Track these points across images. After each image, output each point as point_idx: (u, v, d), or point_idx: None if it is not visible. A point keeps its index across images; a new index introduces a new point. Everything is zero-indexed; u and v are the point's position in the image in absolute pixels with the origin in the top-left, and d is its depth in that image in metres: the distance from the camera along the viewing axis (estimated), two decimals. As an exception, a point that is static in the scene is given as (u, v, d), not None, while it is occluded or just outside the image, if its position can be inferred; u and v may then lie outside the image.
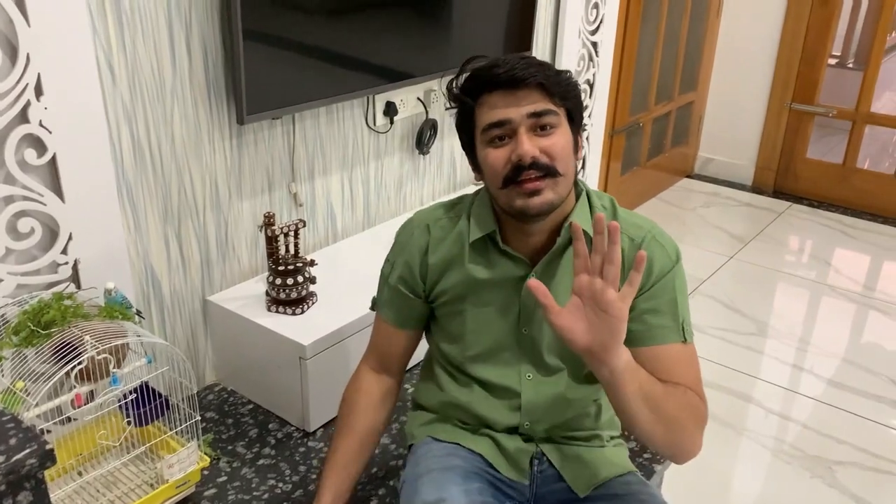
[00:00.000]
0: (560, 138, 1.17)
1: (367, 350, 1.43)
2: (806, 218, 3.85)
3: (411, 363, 1.44)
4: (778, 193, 4.10)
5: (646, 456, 1.67)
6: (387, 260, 1.38)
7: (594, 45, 2.84)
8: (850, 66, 5.59)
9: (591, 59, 2.86)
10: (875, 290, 3.15)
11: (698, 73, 3.99)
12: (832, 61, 5.08)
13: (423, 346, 1.43)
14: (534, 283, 1.07)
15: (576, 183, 1.24)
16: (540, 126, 1.16)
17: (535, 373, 1.30)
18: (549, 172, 1.16)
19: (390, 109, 2.13)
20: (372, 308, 1.42)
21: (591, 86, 2.92)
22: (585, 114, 2.92)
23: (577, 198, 1.25)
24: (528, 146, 1.15)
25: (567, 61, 2.72)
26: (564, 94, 1.18)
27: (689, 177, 4.31)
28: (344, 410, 1.39)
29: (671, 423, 1.14)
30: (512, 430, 1.33)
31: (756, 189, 4.15)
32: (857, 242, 3.59)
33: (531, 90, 1.15)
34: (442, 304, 1.32)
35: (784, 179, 4.09)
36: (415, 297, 1.34)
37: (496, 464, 1.31)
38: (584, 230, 1.09)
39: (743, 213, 3.90)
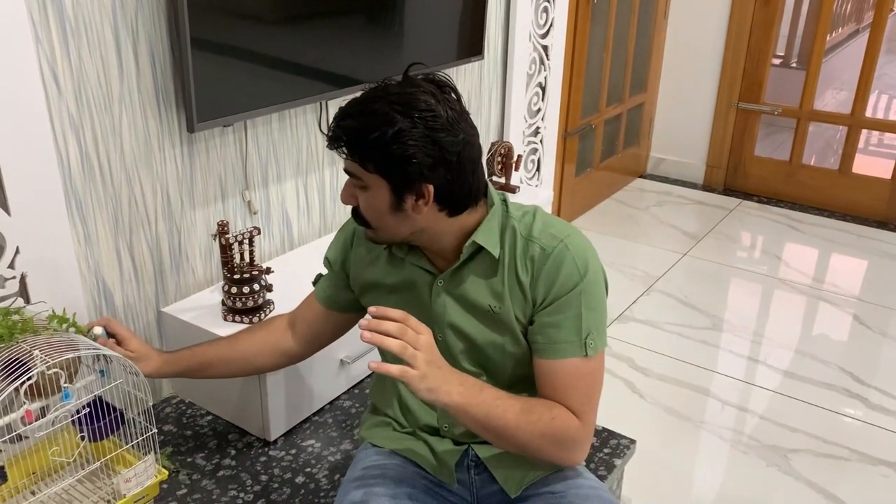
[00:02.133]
0: (366, 197, 1.20)
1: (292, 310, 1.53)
2: (756, 214, 3.94)
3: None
4: (728, 191, 4.19)
5: (605, 451, 1.69)
6: (330, 243, 1.47)
7: (545, 48, 2.87)
8: (794, 65, 5.74)
9: (542, 62, 2.89)
10: (824, 282, 3.23)
11: (647, 74, 4.07)
12: (776, 61, 5.22)
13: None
14: (373, 364, 1.08)
15: (487, 197, 1.25)
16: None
17: None
18: (361, 222, 1.25)
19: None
20: (314, 283, 1.51)
21: (543, 89, 2.96)
22: (537, 118, 2.95)
23: (488, 212, 1.25)
24: (344, 195, 1.23)
25: (519, 65, 2.75)
26: (368, 157, 1.15)
27: (641, 177, 4.39)
28: (240, 334, 1.52)
29: (521, 448, 1.21)
30: (436, 432, 1.36)
31: (707, 187, 4.23)
32: (806, 237, 3.69)
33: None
34: (365, 298, 1.39)
35: (734, 177, 4.19)
36: (340, 279, 1.43)
37: (428, 467, 1.33)
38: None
39: (695, 210, 3.98)
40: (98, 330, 1.45)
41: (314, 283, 1.51)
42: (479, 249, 1.23)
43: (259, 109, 1.82)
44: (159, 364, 1.46)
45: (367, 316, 1.10)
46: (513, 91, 2.77)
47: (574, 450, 1.23)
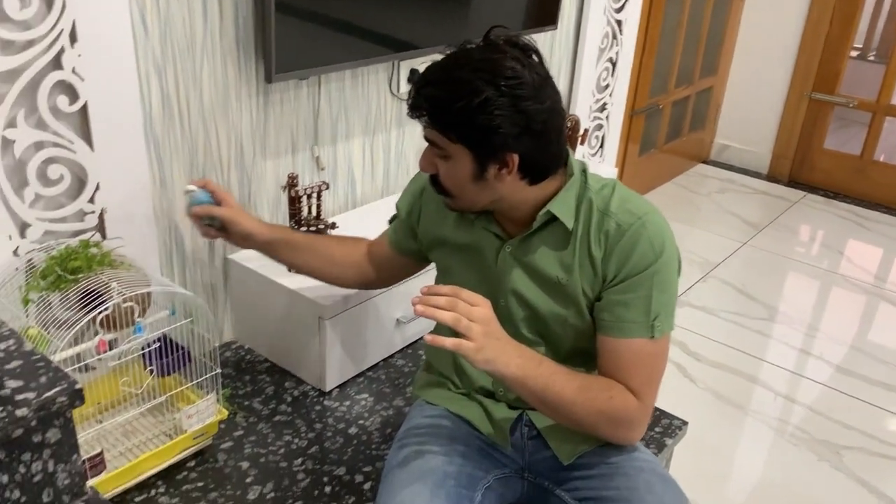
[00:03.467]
0: (447, 167, 1.18)
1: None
2: (820, 208, 3.84)
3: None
4: (793, 183, 4.08)
5: (657, 430, 1.68)
6: (403, 190, 1.48)
7: (619, 22, 2.82)
8: (872, 58, 5.54)
9: (614, 36, 2.84)
10: (887, 281, 3.14)
11: (719, 57, 3.97)
12: (853, 53, 5.03)
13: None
14: (428, 337, 1.07)
15: (567, 166, 1.22)
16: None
17: None
18: (440, 191, 1.23)
19: (414, 76, 2.12)
20: (389, 221, 1.52)
21: (614, 64, 2.91)
22: (605, 93, 2.91)
23: (566, 182, 1.22)
24: (423, 163, 1.22)
25: (591, 38, 2.70)
26: (451, 127, 1.13)
27: (704, 162, 4.30)
28: (333, 236, 1.61)
29: (577, 424, 1.21)
30: (491, 395, 1.36)
31: (771, 178, 4.13)
32: (871, 234, 3.59)
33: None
34: (432, 253, 1.40)
35: (800, 169, 4.08)
36: (408, 228, 1.44)
37: (482, 429, 1.33)
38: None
39: (757, 200, 3.89)
40: (193, 188, 1.44)
41: (390, 222, 1.52)
42: (553, 219, 1.21)
43: (334, 65, 1.83)
44: (254, 226, 1.46)
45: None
46: (583, 64, 2.73)
47: (630, 429, 1.22)
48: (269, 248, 1.50)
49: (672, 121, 3.82)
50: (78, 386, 1.10)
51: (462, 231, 1.32)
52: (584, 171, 1.25)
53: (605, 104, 2.96)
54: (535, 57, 1.14)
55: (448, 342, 1.06)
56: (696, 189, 3.98)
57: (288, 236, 1.51)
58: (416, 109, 1.15)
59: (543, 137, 1.14)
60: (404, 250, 1.47)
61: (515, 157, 1.14)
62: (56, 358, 1.27)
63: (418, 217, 1.41)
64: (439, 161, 1.19)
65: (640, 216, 1.18)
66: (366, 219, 2.11)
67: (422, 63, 2.13)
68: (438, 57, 1.17)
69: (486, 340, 1.09)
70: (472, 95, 1.08)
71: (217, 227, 1.46)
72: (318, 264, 1.52)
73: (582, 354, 1.29)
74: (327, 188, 1.83)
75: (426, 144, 1.20)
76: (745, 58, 4.04)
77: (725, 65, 4.05)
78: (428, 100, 1.13)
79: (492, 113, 1.08)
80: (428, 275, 1.56)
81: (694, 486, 1.79)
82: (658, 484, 1.19)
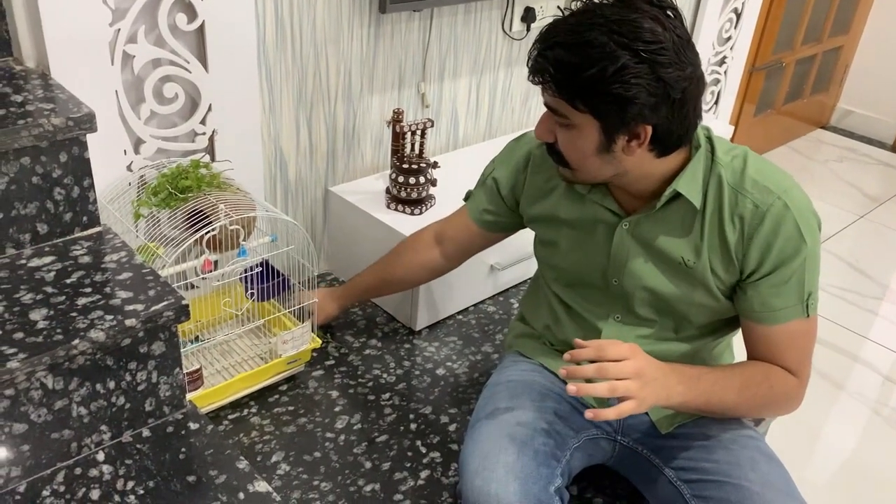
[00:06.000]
0: (568, 136, 1.08)
1: (439, 221, 1.53)
2: (949, 185, 3.56)
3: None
4: (921, 156, 3.80)
5: (756, 401, 1.61)
6: (492, 160, 1.40)
7: (749, -30, 2.64)
8: None
9: (743, -15, 2.66)
10: None
11: (853, 15, 3.68)
12: None
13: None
14: (589, 414, 1.01)
15: (691, 140, 1.11)
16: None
17: (623, 318, 1.25)
18: (559, 161, 1.13)
19: (529, 15, 2.05)
20: (465, 199, 1.47)
21: (739, 15, 2.73)
22: (726, 46, 2.75)
23: (692, 157, 1.12)
24: (540, 129, 1.12)
25: (718, -15, 2.54)
26: (580, 96, 1.01)
27: (823, 128, 4.04)
28: (391, 252, 1.58)
29: (745, 413, 1.20)
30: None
31: (897, 149, 3.86)
32: None
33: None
34: (535, 226, 1.33)
35: (931, 141, 3.79)
36: (503, 202, 1.37)
37: None
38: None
39: (879, 172, 3.64)
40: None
41: (465, 199, 1.46)
42: (677, 196, 1.12)
43: (450, -2, 1.77)
44: (337, 304, 1.65)
45: (561, 369, 1.04)
46: (705, 14, 2.57)
47: (791, 406, 1.19)
48: (360, 300, 1.73)
49: (794, 81, 3.59)
50: (184, 302, 1.12)
51: (571, 205, 1.23)
52: (708, 137, 1.14)
53: (724, 58, 2.79)
54: (675, 14, 1.03)
55: (611, 414, 1.01)
56: (813, 156, 3.75)
57: (364, 284, 1.62)
58: (538, 73, 1.03)
59: (682, 106, 1.02)
60: (496, 225, 1.41)
61: (649, 129, 1.03)
62: (163, 273, 1.30)
63: (521, 191, 1.32)
64: (560, 129, 1.09)
65: (778, 194, 1.08)
66: (466, 159, 2.07)
67: (538, 2, 2.04)
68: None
69: (645, 391, 1.02)
70: (606, 61, 0.97)
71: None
72: (397, 288, 1.63)
73: (702, 327, 1.22)
74: (432, 125, 1.80)
75: (536, 91, 1.13)
76: (882, 18, 3.73)
77: (859, 23, 3.76)
78: (554, 64, 1.01)
79: (628, 82, 0.97)
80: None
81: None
82: (763, 462, 1.13)
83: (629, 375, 1.02)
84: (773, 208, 1.07)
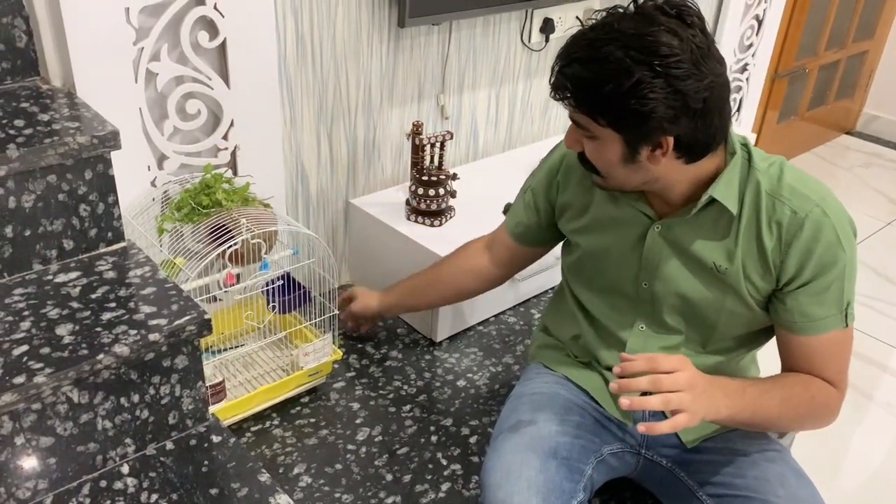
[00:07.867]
0: (594, 147, 1.09)
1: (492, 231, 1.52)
2: (979, 191, 3.50)
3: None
4: (950, 161, 3.75)
5: (780, 413, 1.59)
6: (532, 173, 1.40)
7: (770, -23, 2.62)
8: None
9: (764, -8, 2.65)
10: None
11: (878, 20, 3.64)
12: None
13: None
14: (642, 427, 0.99)
15: (727, 145, 1.11)
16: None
17: (649, 327, 1.24)
18: (590, 169, 1.15)
19: (547, 26, 2.05)
20: (504, 212, 1.48)
21: (760, 22, 2.71)
22: (748, 53, 2.73)
23: (727, 162, 1.11)
24: (568, 140, 1.14)
25: (738, -8, 2.53)
26: (599, 111, 1.03)
27: (849, 133, 4.00)
28: (443, 259, 1.58)
29: (786, 426, 1.20)
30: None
31: (924, 154, 3.81)
32: None
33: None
34: (569, 225, 1.32)
35: (959, 146, 3.73)
36: (539, 214, 1.37)
37: (602, 401, 1.28)
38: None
39: (906, 178, 3.60)
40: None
41: (504, 213, 1.47)
42: (713, 201, 1.11)
43: (467, 10, 1.78)
44: (380, 299, 1.63)
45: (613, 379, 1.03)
46: (727, 20, 2.56)
47: (830, 419, 1.18)
48: (403, 305, 1.64)
49: (817, 86, 3.56)
50: (207, 316, 1.14)
51: (605, 206, 1.24)
52: (745, 145, 1.13)
53: (746, 65, 2.77)
54: (695, 22, 1.01)
55: (665, 427, 1.00)
56: (838, 162, 3.71)
57: (408, 287, 1.60)
58: (559, 90, 1.05)
59: (704, 115, 1.02)
60: (531, 239, 1.41)
61: (670, 140, 1.03)
62: (185, 287, 1.32)
63: (557, 192, 1.32)
64: (585, 140, 1.10)
65: (816, 202, 1.07)
66: (487, 170, 2.08)
67: (556, 13, 2.05)
68: (575, 6, 1.09)
69: (696, 405, 1.01)
70: (621, 77, 0.97)
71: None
72: (447, 292, 1.57)
73: (729, 339, 1.21)
74: (451, 138, 1.81)
75: (556, 103, 1.14)
76: (907, 21, 3.70)
77: (884, 28, 3.72)
78: (573, 80, 1.02)
79: (645, 96, 0.97)
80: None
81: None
82: (791, 477, 1.12)
83: (682, 387, 1.00)
84: (812, 215, 1.07)
